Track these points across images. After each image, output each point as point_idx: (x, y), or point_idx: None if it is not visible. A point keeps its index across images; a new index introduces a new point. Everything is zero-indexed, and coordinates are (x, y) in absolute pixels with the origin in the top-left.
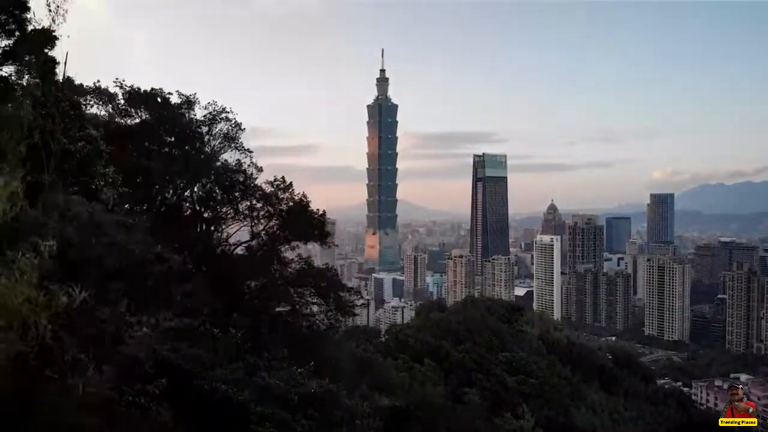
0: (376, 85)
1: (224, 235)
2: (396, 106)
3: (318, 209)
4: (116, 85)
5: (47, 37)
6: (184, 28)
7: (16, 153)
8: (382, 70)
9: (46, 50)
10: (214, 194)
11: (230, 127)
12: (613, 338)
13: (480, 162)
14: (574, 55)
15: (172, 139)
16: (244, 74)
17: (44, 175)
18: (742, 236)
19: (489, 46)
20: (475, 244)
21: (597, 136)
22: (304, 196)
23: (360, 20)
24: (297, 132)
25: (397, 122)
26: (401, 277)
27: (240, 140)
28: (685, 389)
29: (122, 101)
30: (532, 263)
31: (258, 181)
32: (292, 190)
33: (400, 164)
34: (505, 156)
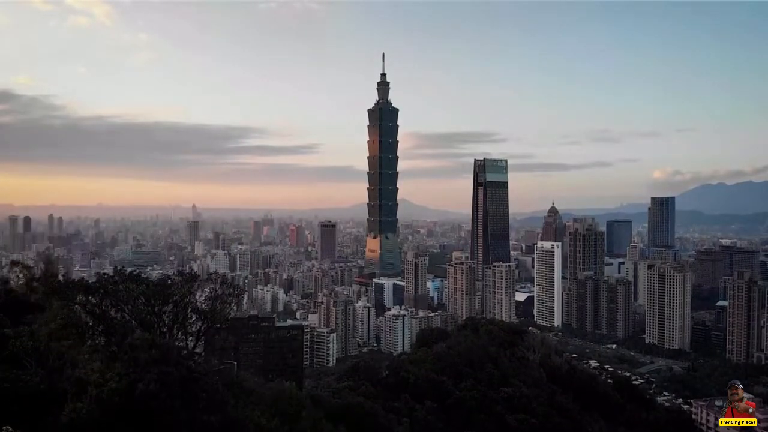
0: (377, 89)
1: None
2: (397, 110)
3: None
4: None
5: None
6: (187, 30)
7: None
8: (383, 74)
9: None
10: None
11: (225, 290)
12: (614, 346)
13: (481, 166)
14: (574, 55)
15: (179, 401)
16: (247, 75)
17: None
18: (743, 237)
19: (489, 46)
20: (475, 250)
21: (597, 136)
22: None
23: (362, 22)
24: (299, 132)
25: (397, 126)
26: (402, 283)
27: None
28: (685, 406)
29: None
30: (533, 266)
31: None
32: None
33: (401, 164)
34: (506, 161)
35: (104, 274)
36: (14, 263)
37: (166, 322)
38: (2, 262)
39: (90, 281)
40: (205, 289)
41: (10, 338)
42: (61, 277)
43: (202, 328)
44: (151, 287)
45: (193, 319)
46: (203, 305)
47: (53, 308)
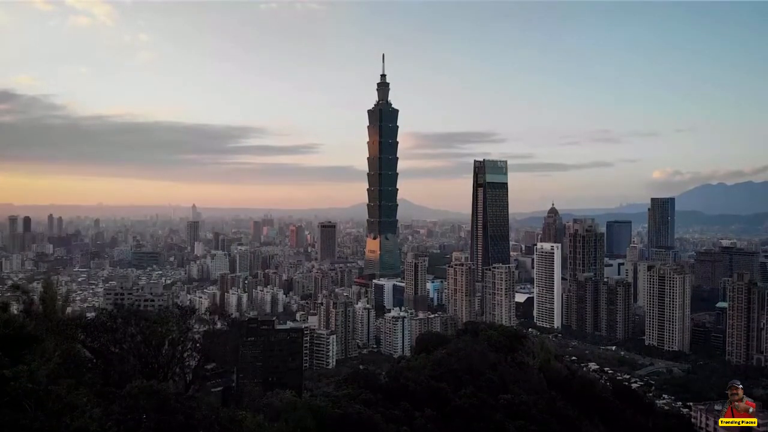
0: (377, 90)
1: None
2: (397, 111)
3: None
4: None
5: None
6: (187, 30)
7: None
8: (383, 75)
9: None
10: None
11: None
12: (614, 347)
13: (480, 167)
14: (574, 54)
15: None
16: (247, 75)
17: None
18: (743, 237)
19: (489, 46)
20: (475, 250)
21: (597, 136)
22: None
23: (362, 22)
24: (299, 132)
25: (397, 127)
26: (401, 284)
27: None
28: (685, 410)
29: None
30: (533, 267)
31: None
32: None
33: (401, 164)
34: (505, 162)
35: (103, 309)
36: (15, 287)
37: (165, 355)
38: (2, 262)
39: (90, 316)
40: (203, 325)
41: (9, 380)
42: (59, 304)
43: (200, 364)
44: (150, 323)
45: (191, 353)
46: (200, 340)
47: (51, 344)
